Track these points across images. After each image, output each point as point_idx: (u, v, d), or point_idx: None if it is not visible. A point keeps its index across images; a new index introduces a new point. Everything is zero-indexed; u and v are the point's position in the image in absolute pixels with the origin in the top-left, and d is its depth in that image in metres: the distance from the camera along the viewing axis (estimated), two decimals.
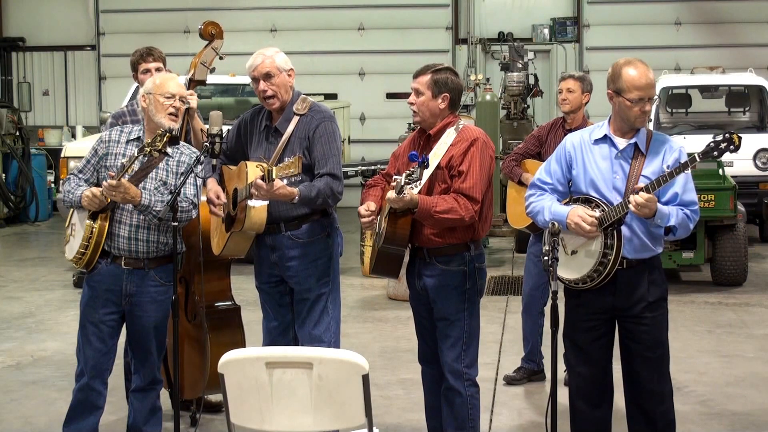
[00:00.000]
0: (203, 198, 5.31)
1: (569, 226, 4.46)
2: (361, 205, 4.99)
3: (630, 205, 4.33)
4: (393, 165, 5.08)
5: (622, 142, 4.54)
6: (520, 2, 17.66)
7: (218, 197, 5.20)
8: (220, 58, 5.99)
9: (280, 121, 5.19)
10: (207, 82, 6.00)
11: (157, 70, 5.69)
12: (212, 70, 6.00)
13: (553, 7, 17.63)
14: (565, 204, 4.58)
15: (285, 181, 4.83)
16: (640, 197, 4.30)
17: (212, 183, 5.28)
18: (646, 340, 4.57)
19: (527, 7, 17.64)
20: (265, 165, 4.85)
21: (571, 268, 4.54)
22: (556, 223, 4.39)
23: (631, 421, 4.69)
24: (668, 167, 4.43)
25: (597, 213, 4.44)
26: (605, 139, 4.57)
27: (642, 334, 4.56)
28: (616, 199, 4.47)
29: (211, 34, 5.94)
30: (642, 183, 4.42)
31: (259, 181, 4.81)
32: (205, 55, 5.92)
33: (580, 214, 4.44)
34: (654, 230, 4.50)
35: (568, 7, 17.60)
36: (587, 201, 4.51)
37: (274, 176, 4.75)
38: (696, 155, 4.33)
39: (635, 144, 4.52)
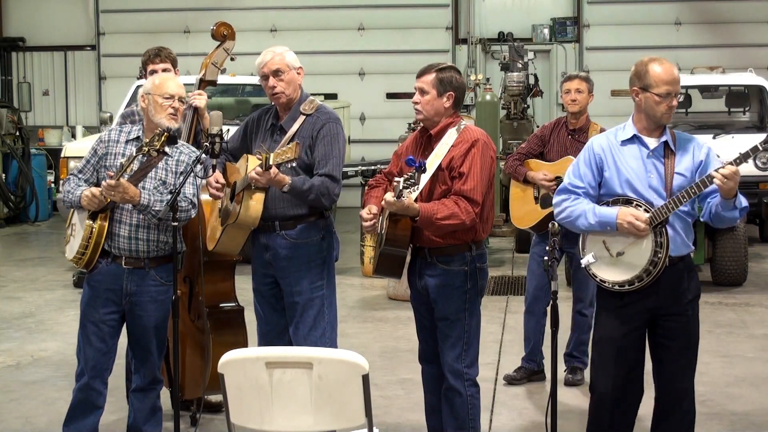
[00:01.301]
0: (205, 198, 5.31)
1: (621, 226, 4.44)
2: (363, 207, 4.99)
3: (715, 179, 4.33)
4: (395, 163, 5.08)
5: (652, 142, 4.56)
6: (520, 2, 17.66)
7: (217, 180, 5.19)
8: (232, 59, 6.02)
9: (286, 120, 5.20)
10: (217, 83, 6.02)
11: (165, 71, 5.70)
12: (223, 71, 6.03)
13: (553, 7, 17.63)
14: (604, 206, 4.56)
15: (282, 168, 4.84)
16: (727, 169, 4.32)
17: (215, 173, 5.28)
18: (684, 337, 4.59)
19: (527, 7, 17.64)
20: (263, 155, 4.87)
21: (619, 270, 4.51)
22: (556, 223, 4.40)
23: (660, 417, 4.67)
24: (698, 161, 4.54)
25: (642, 212, 4.45)
26: (634, 139, 4.57)
27: (680, 331, 4.58)
28: (654, 199, 4.48)
29: (223, 35, 5.97)
30: (677, 180, 4.48)
31: (258, 169, 4.82)
32: (217, 56, 5.95)
33: (634, 214, 4.43)
34: (727, 214, 4.48)
35: (568, 7, 17.60)
36: (627, 202, 4.50)
37: (271, 162, 4.76)
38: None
39: (665, 142, 4.56)
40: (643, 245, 4.47)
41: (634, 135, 4.57)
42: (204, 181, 5.24)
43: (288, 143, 5.10)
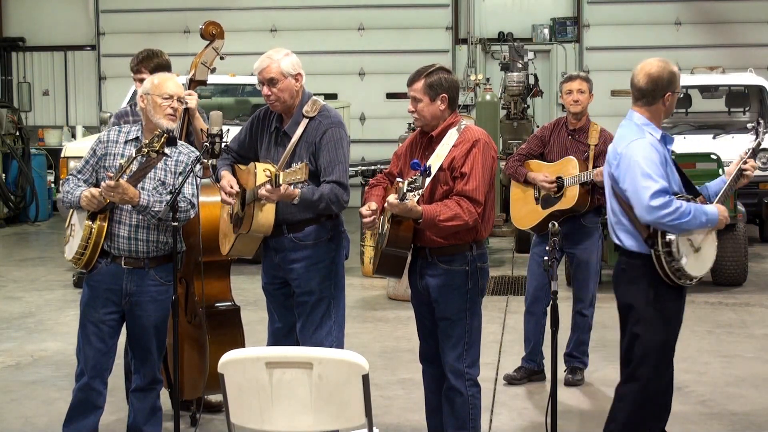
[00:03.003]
0: (204, 198, 5.30)
1: (722, 222, 4.57)
2: (363, 205, 4.98)
3: (747, 172, 4.68)
4: (395, 164, 5.08)
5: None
6: (520, 2, 17.67)
7: (231, 186, 5.16)
8: (221, 58, 5.98)
9: (289, 125, 5.16)
10: (207, 83, 5.98)
11: None
12: (213, 71, 5.99)
13: (553, 7, 17.65)
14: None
15: (292, 187, 4.84)
16: (752, 162, 4.73)
17: (226, 173, 5.22)
18: None
19: (527, 7, 17.65)
20: (272, 169, 4.85)
21: (699, 265, 4.60)
22: (555, 223, 4.41)
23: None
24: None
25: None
26: (662, 139, 4.66)
27: None
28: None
29: (211, 34, 5.94)
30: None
31: (268, 186, 4.81)
32: (206, 55, 5.91)
33: (723, 208, 4.61)
34: None
35: (568, 7, 17.61)
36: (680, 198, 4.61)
37: (281, 181, 4.75)
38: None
39: None
40: (711, 238, 4.63)
41: (663, 135, 4.65)
42: (203, 181, 5.23)
43: (293, 150, 5.07)
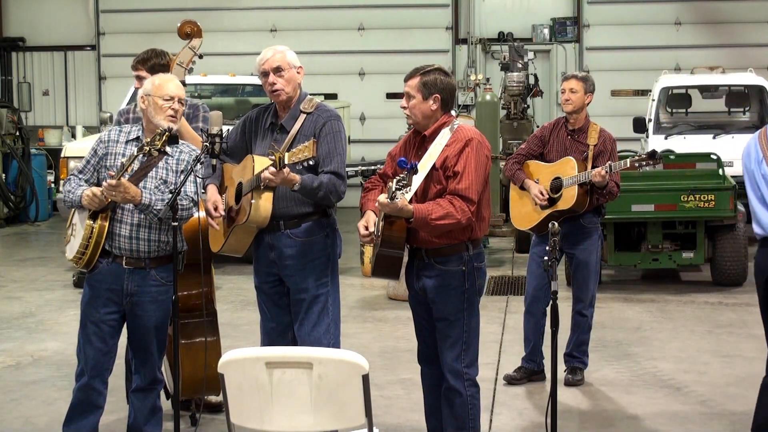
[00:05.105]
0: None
1: None
2: (361, 212, 4.99)
3: None
4: (390, 165, 5.08)
5: None
6: (520, 2, 17.67)
7: (216, 209, 5.18)
8: (200, 57, 5.95)
9: (286, 119, 5.19)
10: (186, 83, 5.93)
11: None
12: (190, 71, 5.95)
13: (553, 7, 17.64)
14: None
15: (299, 167, 4.84)
16: None
17: (212, 191, 5.24)
18: None
19: (527, 7, 17.64)
20: (276, 155, 4.85)
21: None
22: (555, 223, 4.41)
23: None
24: None
25: None
26: None
27: None
28: None
29: (186, 33, 5.92)
30: None
31: (272, 169, 4.82)
32: (183, 55, 5.86)
33: None
34: None
35: (568, 7, 17.60)
36: None
37: (286, 162, 4.76)
38: None
39: None
40: None
41: None
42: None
43: (292, 142, 5.09)
